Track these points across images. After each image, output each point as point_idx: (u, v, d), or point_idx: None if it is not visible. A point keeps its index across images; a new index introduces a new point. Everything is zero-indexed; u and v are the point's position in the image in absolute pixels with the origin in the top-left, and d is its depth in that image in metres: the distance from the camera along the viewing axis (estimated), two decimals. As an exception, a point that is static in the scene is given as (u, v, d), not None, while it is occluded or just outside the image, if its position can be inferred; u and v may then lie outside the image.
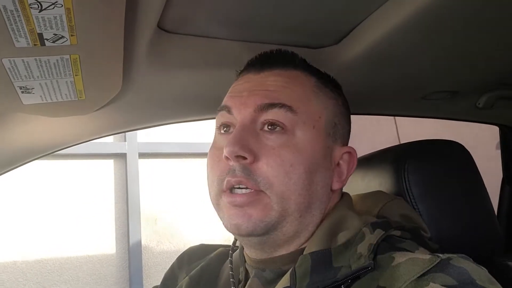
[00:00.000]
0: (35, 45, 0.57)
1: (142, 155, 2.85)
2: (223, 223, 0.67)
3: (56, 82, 0.69)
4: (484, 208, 0.79)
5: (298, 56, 0.73)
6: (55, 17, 0.52)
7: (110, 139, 2.82)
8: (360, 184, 0.87)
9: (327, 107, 0.70)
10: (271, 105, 0.65)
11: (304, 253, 0.64)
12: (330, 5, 0.73)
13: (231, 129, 0.69)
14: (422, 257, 0.56)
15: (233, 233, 0.66)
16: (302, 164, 0.64)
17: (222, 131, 0.70)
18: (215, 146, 0.70)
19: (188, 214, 2.91)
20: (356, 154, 0.73)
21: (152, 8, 0.63)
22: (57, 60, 0.62)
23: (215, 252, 0.85)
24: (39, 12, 0.50)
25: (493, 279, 0.54)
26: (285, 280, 0.63)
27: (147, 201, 2.84)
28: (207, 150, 0.71)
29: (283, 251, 0.68)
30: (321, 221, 0.68)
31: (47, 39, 0.56)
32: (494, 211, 0.80)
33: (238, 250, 0.77)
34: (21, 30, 0.53)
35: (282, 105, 0.65)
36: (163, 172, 2.93)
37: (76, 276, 2.61)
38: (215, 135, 0.72)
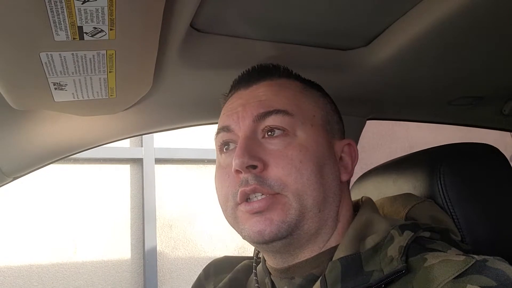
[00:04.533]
0: (74, 38, 0.57)
1: (159, 161, 2.86)
2: (243, 235, 0.67)
3: (90, 79, 0.70)
4: None
5: (280, 66, 0.76)
6: (97, 10, 0.52)
7: (126, 144, 2.83)
8: (392, 188, 0.86)
9: (318, 106, 0.73)
10: (268, 113, 0.68)
11: (333, 259, 0.63)
12: (361, 7, 0.73)
13: (233, 146, 0.70)
14: (456, 258, 0.55)
15: (257, 241, 0.65)
16: (310, 160, 0.65)
17: (224, 150, 0.72)
18: (220, 166, 0.72)
19: (204, 220, 2.90)
20: (355, 144, 0.75)
21: (187, 7, 0.64)
22: (93, 56, 0.63)
23: (240, 265, 0.85)
24: (82, 3, 0.50)
25: None
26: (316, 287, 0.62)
27: (163, 207, 2.84)
28: (224, 156, 0.72)
29: (307, 254, 0.68)
30: (337, 213, 0.69)
31: (86, 33, 0.56)
32: None
33: (261, 263, 0.77)
34: (62, 22, 0.53)
35: (277, 111, 0.68)
36: (179, 178, 2.93)
37: (91, 281, 2.60)
38: (217, 157, 0.74)
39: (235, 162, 0.64)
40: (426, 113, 1.25)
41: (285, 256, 0.69)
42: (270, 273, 0.73)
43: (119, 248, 2.70)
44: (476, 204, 0.75)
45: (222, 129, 0.72)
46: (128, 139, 2.81)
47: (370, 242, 0.64)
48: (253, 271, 0.78)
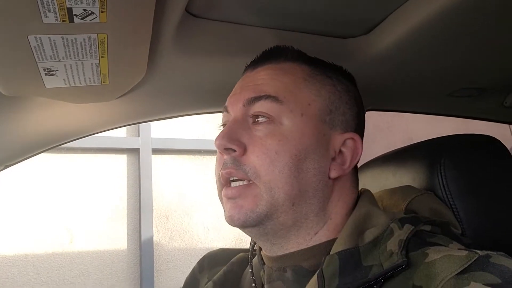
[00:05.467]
0: (63, 21, 0.55)
1: (156, 151, 2.83)
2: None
3: (81, 64, 0.67)
4: None
5: (291, 48, 0.73)
6: (86, -10, 0.50)
7: (123, 133, 2.81)
8: (391, 180, 0.84)
9: (319, 94, 0.69)
10: (257, 98, 0.67)
11: (331, 252, 0.62)
12: None
13: None
14: (458, 253, 0.54)
15: (230, 225, 0.67)
16: (288, 151, 0.64)
17: None
18: None
19: (201, 211, 2.89)
20: (361, 140, 0.71)
21: None
22: (84, 39, 0.60)
23: (235, 257, 0.84)
24: (70, -17, 0.48)
25: None
26: (313, 282, 0.61)
27: (159, 198, 2.83)
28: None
29: (294, 246, 0.67)
30: (323, 210, 0.67)
31: (76, 15, 0.54)
32: None
33: (256, 255, 0.77)
34: (50, 4, 0.51)
35: (267, 97, 0.66)
36: (176, 169, 2.91)
37: (86, 271, 2.59)
38: None
39: (215, 144, 0.66)
40: (426, 104, 1.23)
41: (267, 244, 0.69)
42: (264, 263, 0.72)
43: (115, 238, 2.69)
44: (477, 196, 0.73)
45: (223, 109, 0.73)
46: (125, 129, 2.79)
47: (369, 235, 0.62)
48: (249, 263, 0.77)
